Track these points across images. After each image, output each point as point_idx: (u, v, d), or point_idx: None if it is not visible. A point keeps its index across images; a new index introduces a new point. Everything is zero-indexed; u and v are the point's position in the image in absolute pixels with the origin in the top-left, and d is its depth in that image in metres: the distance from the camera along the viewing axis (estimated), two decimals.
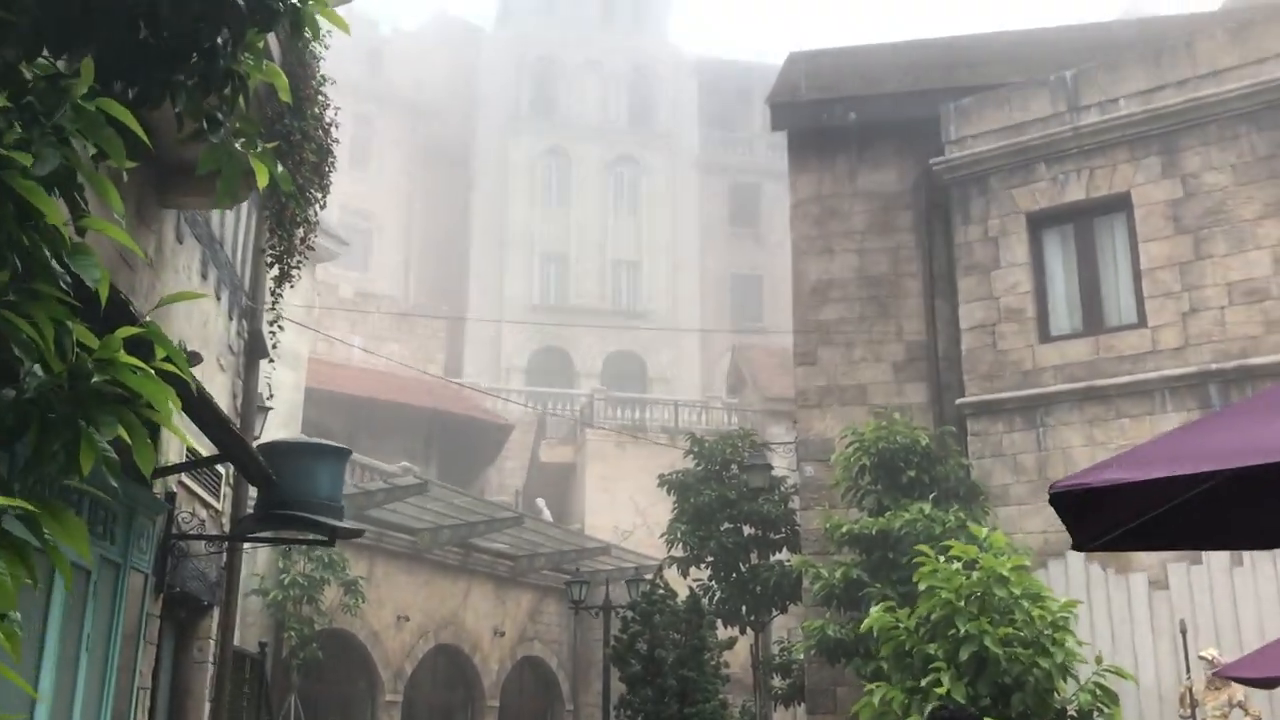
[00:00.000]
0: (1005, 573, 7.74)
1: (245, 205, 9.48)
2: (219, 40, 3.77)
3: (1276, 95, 12.12)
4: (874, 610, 8.34)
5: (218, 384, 8.52)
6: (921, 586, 7.92)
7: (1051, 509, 10.04)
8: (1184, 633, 10.80)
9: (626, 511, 28.36)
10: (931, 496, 11.71)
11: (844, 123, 14.79)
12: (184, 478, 7.78)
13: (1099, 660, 7.94)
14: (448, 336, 40.21)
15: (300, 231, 7.27)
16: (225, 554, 8.92)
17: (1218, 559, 11.43)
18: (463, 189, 46.32)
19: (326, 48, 7.03)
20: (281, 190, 5.35)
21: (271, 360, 10.01)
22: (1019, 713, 7.44)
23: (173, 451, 7.35)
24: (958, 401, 13.20)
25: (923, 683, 7.62)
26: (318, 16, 3.94)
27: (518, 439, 33.54)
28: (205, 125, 3.80)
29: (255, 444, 7.80)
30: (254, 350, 9.69)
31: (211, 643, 8.82)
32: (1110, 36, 15.56)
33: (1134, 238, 12.75)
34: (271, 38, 6.02)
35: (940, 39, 17.00)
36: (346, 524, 7.39)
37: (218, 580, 8.78)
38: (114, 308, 3.65)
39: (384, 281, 43.21)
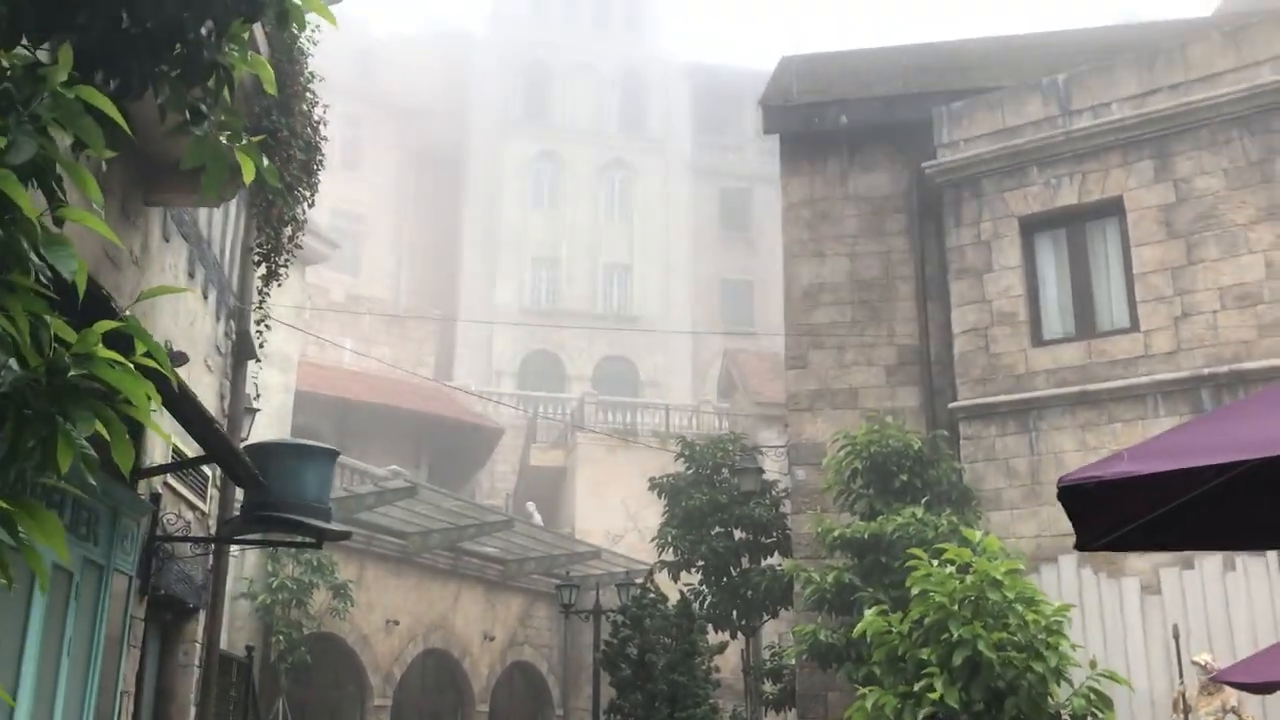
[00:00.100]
0: (999, 577, 7.69)
1: (234, 204, 9.40)
2: (203, 31, 3.71)
3: (1269, 100, 12.11)
4: (867, 614, 8.27)
5: (205, 385, 8.43)
6: (914, 590, 7.86)
7: (1043, 514, 9.96)
8: (1176, 637, 10.77)
9: (617, 515, 28.29)
10: (924, 501, 11.66)
11: (836, 126, 14.76)
12: (170, 479, 7.69)
13: (1093, 665, 7.89)
14: (438, 340, 40.13)
15: (288, 230, 7.19)
16: (211, 556, 8.83)
17: (1210, 563, 11.40)
18: (454, 192, 46.25)
19: (315, 44, 6.97)
20: (269, 187, 5.28)
21: (259, 361, 9.92)
22: (1012, 718, 7.39)
23: (158, 453, 7.27)
24: (950, 405, 13.16)
25: (916, 687, 7.56)
26: (304, 8, 3.87)
27: (508, 443, 33.45)
28: (189, 117, 3.73)
29: (242, 445, 7.72)
30: (241, 351, 9.60)
31: (197, 646, 8.72)
32: (1103, 41, 15.57)
33: (1126, 242, 12.74)
34: (260, 33, 5.96)
35: (932, 43, 17.01)
36: (334, 526, 7.31)
37: (204, 583, 8.69)
38: (93, 302, 3.57)
39: (375, 284, 43.11)
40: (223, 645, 10.15)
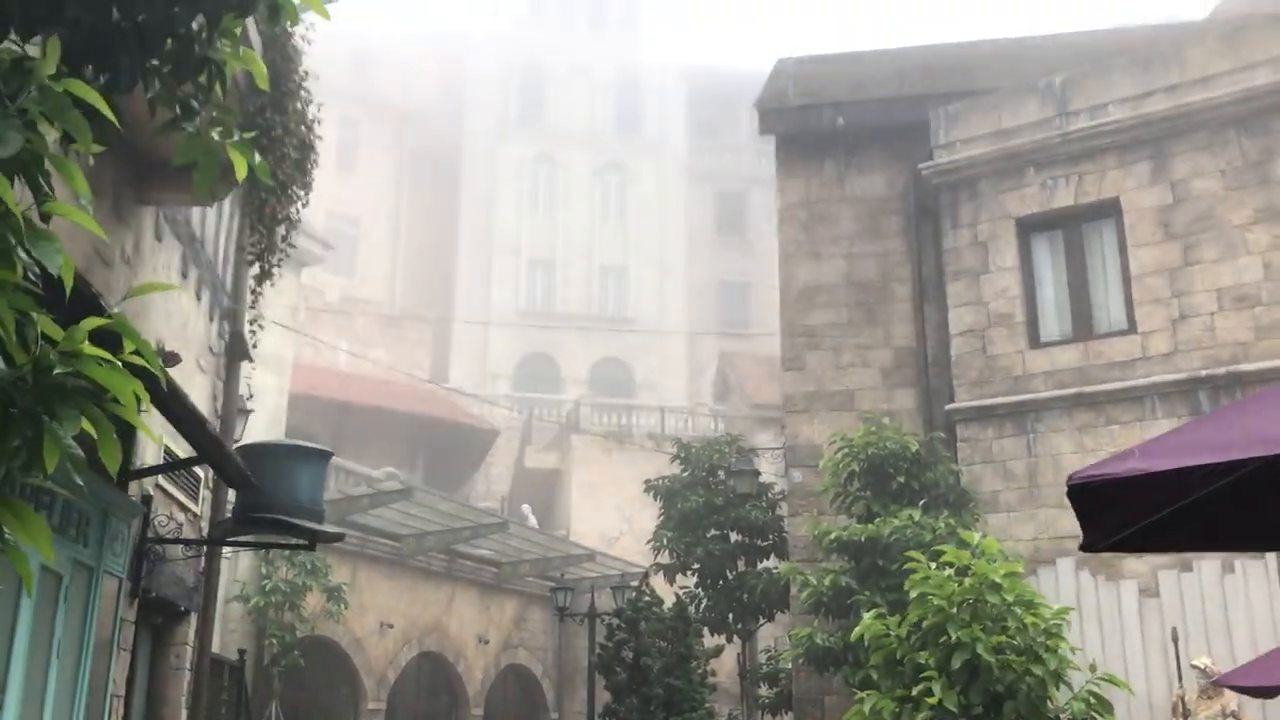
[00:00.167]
0: (998, 579, 7.63)
1: (227, 204, 9.33)
2: (194, 25, 3.65)
3: (1266, 101, 12.09)
4: (865, 617, 8.21)
5: (197, 385, 8.37)
6: (913, 593, 7.80)
7: (1041, 516, 9.90)
8: (1175, 640, 10.73)
9: (612, 518, 28.24)
10: (921, 503, 11.61)
11: (832, 127, 14.72)
12: (161, 480, 7.63)
13: (1093, 668, 7.83)
14: (434, 342, 40.09)
15: (282, 229, 7.13)
16: (203, 558, 8.76)
17: (1208, 566, 11.37)
18: (450, 194, 46.19)
19: (309, 43, 6.91)
20: (262, 185, 5.22)
21: (252, 361, 9.86)
22: None
23: (149, 454, 7.20)
24: (947, 407, 13.12)
25: (914, 691, 7.50)
26: (296, 2, 3.82)
27: (504, 445, 33.41)
28: (179, 113, 3.68)
29: (235, 446, 7.65)
30: (235, 352, 9.54)
31: (189, 649, 8.65)
32: (1099, 43, 15.53)
33: (1123, 243, 12.71)
34: (253, 30, 5.90)
35: (929, 45, 16.95)
36: (327, 528, 7.24)
37: (195, 585, 8.61)
38: (81, 300, 3.52)
39: (370, 287, 43.03)
40: (215, 648, 10.08)
